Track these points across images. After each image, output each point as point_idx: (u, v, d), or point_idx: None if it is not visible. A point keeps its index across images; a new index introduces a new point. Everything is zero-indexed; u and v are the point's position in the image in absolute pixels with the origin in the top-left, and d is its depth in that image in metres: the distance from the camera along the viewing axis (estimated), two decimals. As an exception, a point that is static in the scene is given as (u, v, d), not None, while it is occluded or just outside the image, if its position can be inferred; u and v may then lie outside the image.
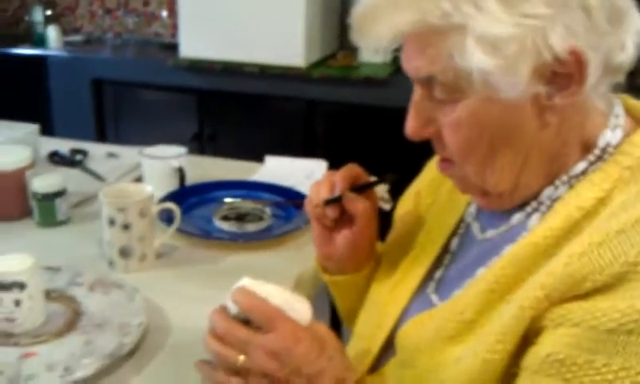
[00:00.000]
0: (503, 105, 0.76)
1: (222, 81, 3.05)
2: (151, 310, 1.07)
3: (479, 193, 0.86)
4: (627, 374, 0.67)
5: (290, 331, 0.82)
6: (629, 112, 0.85)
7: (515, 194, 0.83)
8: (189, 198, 1.49)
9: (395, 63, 3.02)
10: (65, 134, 2.18)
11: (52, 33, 3.41)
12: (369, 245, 1.02)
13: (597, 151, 0.80)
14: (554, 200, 0.81)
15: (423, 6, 0.74)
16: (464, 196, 0.96)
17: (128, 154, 1.77)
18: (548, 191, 0.82)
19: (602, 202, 0.77)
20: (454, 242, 0.95)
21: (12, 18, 3.92)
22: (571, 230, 0.76)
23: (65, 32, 3.57)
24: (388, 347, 0.93)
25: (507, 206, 0.85)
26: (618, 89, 0.82)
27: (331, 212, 0.98)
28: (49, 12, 3.60)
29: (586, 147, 0.81)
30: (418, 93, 0.82)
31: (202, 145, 3.11)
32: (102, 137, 3.30)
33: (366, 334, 0.97)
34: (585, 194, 0.78)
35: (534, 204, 0.84)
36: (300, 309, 0.85)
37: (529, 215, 0.84)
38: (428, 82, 0.79)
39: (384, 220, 1.28)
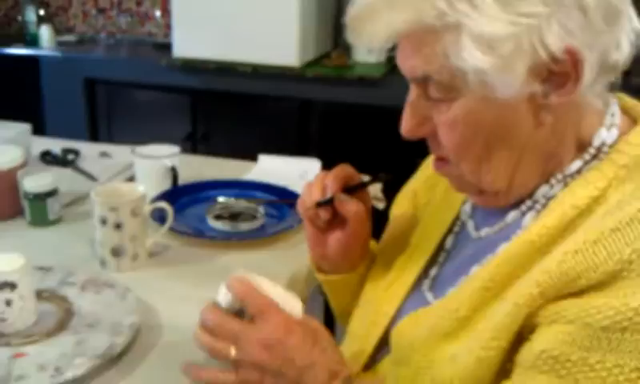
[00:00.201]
0: (499, 104, 0.76)
1: (215, 80, 3.04)
2: (143, 310, 1.06)
3: (475, 191, 0.86)
4: (621, 371, 0.67)
5: (283, 322, 0.82)
6: (624, 111, 0.85)
7: (511, 193, 0.83)
8: (182, 197, 1.48)
9: (389, 63, 3.02)
10: (57, 134, 2.17)
11: (45, 33, 3.40)
12: (362, 245, 1.02)
13: (592, 150, 0.81)
14: (549, 198, 0.81)
15: (419, 6, 0.74)
16: (459, 194, 0.96)
17: (120, 153, 1.76)
18: (543, 190, 0.82)
19: (596, 200, 0.77)
20: (449, 240, 0.95)
21: (5, 17, 3.91)
22: (566, 228, 0.76)
23: (58, 32, 3.56)
24: (383, 345, 0.92)
25: (503, 203, 0.85)
26: (613, 88, 0.82)
27: (323, 214, 0.97)
28: (42, 12, 3.59)
29: (582, 146, 0.81)
30: (413, 92, 0.82)
31: (195, 144, 3.10)
32: (94, 136, 3.29)
33: (361, 332, 0.97)
34: (580, 192, 0.78)
35: (528, 202, 0.84)
36: (292, 304, 0.85)
37: (524, 213, 0.84)
38: (423, 81, 0.79)
39: (378, 219, 1.28)
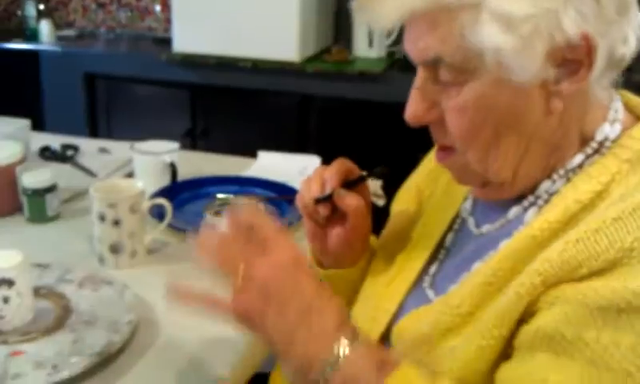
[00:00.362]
0: (512, 88, 0.75)
1: (215, 75, 3.03)
2: (141, 307, 1.06)
3: (479, 183, 0.85)
4: (617, 349, 0.66)
5: (295, 251, 0.79)
6: (628, 108, 0.84)
7: (515, 184, 0.83)
8: (181, 193, 1.48)
9: (390, 58, 3.01)
10: (57, 129, 2.16)
11: (45, 27, 3.39)
12: (362, 240, 1.01)
13: (594, 144, 0.80)
14: (552, 194, 0.81)
15: None
16: (460, 192, 0.95)
17: (119, 149, 1.76)
18: (545, 185, 0.82)
19: (599, 195, 0.76)
20: (449, 238, 0.95)
21: (4, 12, 3.90)
22: (568, 222, 0.76)
23: (57, 26, 3.55)
24: (384, 342, 0.92)
25: (507, 195, 0.84)
26: (616, 85, 0.82)
27: (323, 210, 0.96)
28: (41, 6, 3.58)
29: (585, 140, 0.81)
30: (421, 76, 0.81)
31: (194, 140, 3.10)
32: (94, 131, 3.28)
33: (361, 328, 0.97)
34: (582, 187, 0.78)
35: (531, 198, 0.83)
36: None
37: (526, 209, 0.84)
38: (434, 64, 0.77)
39: (377, 216, 1.27)
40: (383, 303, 0.94)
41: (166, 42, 3.14)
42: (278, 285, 0.76)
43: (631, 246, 0.68)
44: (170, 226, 1.29)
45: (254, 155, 1.77)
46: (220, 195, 1.48)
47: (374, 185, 1.75)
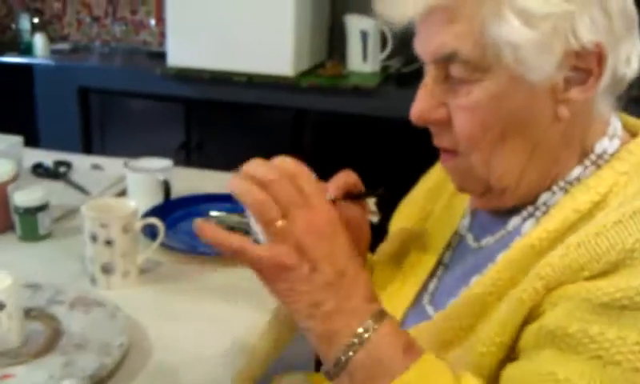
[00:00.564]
0: (524, 89, 0.76)
1: (210, 90, 3.03)
2: (133, 329, 1.05)
3: (480, 189, 0.85)
4: (624, 343, 0.66)
5: (335, 215, 0.76)
6: (626, 127, 0.86)
7: (516, 192, 0.83)
8: (174, 211, 1.47)
9: (384, 73, 3.01)
10: (50, 143, 2.16)
11: (39, 41, 3.38)
12: (361, 253, 1.00)
13: (593, 157, 0.82)
14: (550, 206, 0.82)
15: None
16: (458, 210, 0.96)
17: (113, 165, 1.75)
18: (544, 197, 0.83)
19: (597, 205, 0.77)
20: (447, 255, 0.95)
21: (-2, 25, 3.90)
22: (567, 232, 0.77)
23: (52, 40, 3.54)
24: None
25: (508, 203, 0.85)
26: (618, 102, 0.85)
27: None
28: (36, 20, 3.57)
29: (584, 153, 0.82)
30: (430, 74, 0.81)
31: (189, 154, 3.09)
32: (88, 145, 3.27)
33: None
34: (581, 197, 0.78)
35: (530, 209, 0.84)
36: None
37: (525, 220, 0.84)
38: (448, 60, 0.78)
39: (372, 232, 1.27)
40: None
41: (161, 56, 3.13)
42: (315, 242, 0.73)
43: (632, 247, 0.69)
44: (163, 245, 1.28)
45: (248, 170, 1.77)
46: (213, 213, 1.47)
47: (369, 201, 1.75)
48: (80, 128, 3.29)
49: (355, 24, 2.99)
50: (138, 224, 1.22)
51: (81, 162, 1.78)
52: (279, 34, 2.83)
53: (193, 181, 1.67)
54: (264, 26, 2.84)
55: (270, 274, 0.75)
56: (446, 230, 0.97)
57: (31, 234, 1.35)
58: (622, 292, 0.67)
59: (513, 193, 0.83)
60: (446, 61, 0.78)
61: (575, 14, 0.73)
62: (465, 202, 0.96)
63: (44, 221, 1.36)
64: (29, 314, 1.05)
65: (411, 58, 3.13)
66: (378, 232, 1.21)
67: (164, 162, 1.54)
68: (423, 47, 0.81)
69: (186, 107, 3.11)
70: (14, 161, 1.46)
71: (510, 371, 0.74)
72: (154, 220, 1.25)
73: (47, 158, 1.77)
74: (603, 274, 0.70)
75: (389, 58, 3.05)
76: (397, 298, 0.95)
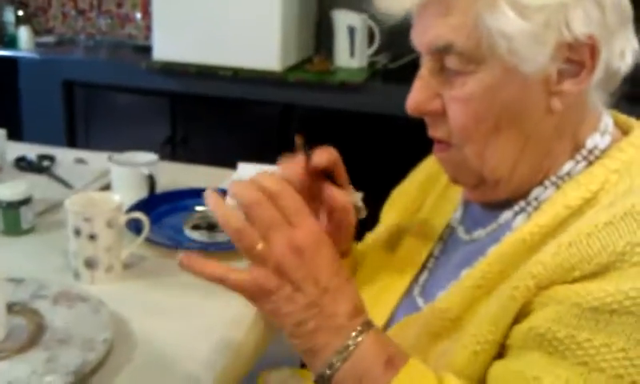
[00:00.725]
0: (518, 81, 0.77)
1: (196, 84, 3.01)
2: (117, 324, 1.04)
3: (473, 181, 0.86)
4: (609, 351, 0.67)
5: (317, 231, 0.76)
6: (617, 124, 0.87)
7: (509, 184, 0.84)
8: (159, 206, 1.45)
9: (371, 68, 3.01)
10: (34, 136, 2.14)
11: (23, 34, 3.35)
12: (346, 240, 1.00)
13: (584, 152, 0.83)
14: (541, 201, 0.83)
15: None
16: (451, 203, 0.96)
17: (97, 159, 1.73)
18: (536, 192, 0.84)
19: (588, 202, 0.78)
20: (438, 247, 0.96)
21: (-18, 17, 3.86)
22: (557, 227, 0.78)
23: (37, 33, 3.51)
24: None
25: (501, 195, 0.86)
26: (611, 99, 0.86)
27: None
28: (20, 12, 3.54)
29: (576, 148, 0.83)
30: (426, 66, 0.82)
31: (174, 148, 3.08)
32: (72, 139, 3.25)
33: None
34: (572, 193, 0.79)
35: (522, 203, 0.85)
36: None
37: (516, 214, 0.85)
38: (443, 52, 0.78)
39: (358, 228, 1.26)
40: (373, 314, 0.93)
41: (147, 49, 3.12)
42: (295, 263, 0.74)
43: (623, 250, 0.70)
44: (148, 240, 1.27)
45: (233, 164, 1.76)
46: (199, 208, 1.46)
47: (355, 197, 1.74)
48: (64, 122, 3.27)
49: (343, 19, 2.99)
50: (123, 218, 1.21)
51: (64, 156, 1.77)
52: (266, 29, 2.82)
53: (178, 175, 1.66)
54: (251, 20, 2.83)
55: (254, 297, 0.77)
56: (439, 222, 0.98)
57: (14, 228, 1.34)
58: (612, 296, 0.67)
59: (506, 185, 0.83)
60: (441, 52, 0.79)
61: (569, 6, 0.74)
62: (458, 194, 0.97)
63: (27, 215, 1.35)
64: (11, 308, 1.03)
65: (398, 54, 3.14)
66: (365, 226, 1.21)
67: (149, 156, 1.53)
68: (419, 39, 0.81)
69: (172, 101, 3.09)
70: (-4, 154, 1.44)
71: (497, 370, 0.74)
72: (138, 214, 1.24)
73: (31, 151, 1.75)
74: (594, 275, 0.70)
75: (376, 53, 3.05)
76: (389, 289, 0.95)
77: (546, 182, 0.83)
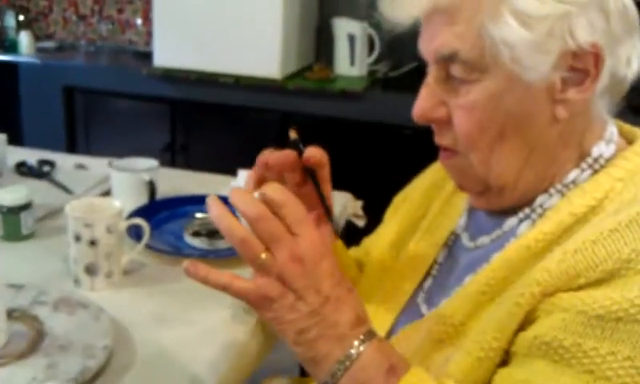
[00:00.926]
0: (521, 89, 0.77)
1: (196, 91, 3.02)
2: (117, 331, 1.04)
3: (479, 188, 0.86)
4: (615, 359, 0.67)
5: (319, 242, 0.77)
6: (621, 133, 0.88)
7: (515, 192, 0.84)
8: (159, 212, 1.45)
9: (371, 77, 3.01)
10: (34, 141, 2.14)
11: (24, 39, 3.35)
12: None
13: (590, 160, 0.83)
14: (546, 209, 0.83)
15: None
16: (456, 210, 0.97)
17: (97, 165, 1.73)
18: (541, 199, 0.84)
19: (593, 210, 0.78)
20: (443, 254, 0.96)
21: (-17, 22, 3.86)
22: (562, 235, 0.78)
23: (37, 38, 3.52)
24: None
25: (506, 203, 0.86)
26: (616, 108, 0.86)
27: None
28: (21, 17, 3.55)
29: (581, 156, 0.83)
30: (432, 74, 0.83)
31: (173, 155, 3.08)
32: (72, 144, 3.25)
33: None
34: (577, 201, 0.80)
35: (526, 210, 0.85)
36: None
37: (521, 221, 0.85)
38: (449, 60, 0.79)
39: (357, 236, 1.27)
40: (377, 320, 0.93)
41: (147, 55, 3.12)
42: (297, 272, 0.75)
43: (628, 258, 0.70)
44: (148, 246, 1.27)
45: (233, 171, 1.76)
46: (199, 214, 1.46)
47: (355, 206, 1.74)
48: (64, 127, 3.27)
49: (343, 27, 2.99)
50: (123, 224, 1.21)
51: (65, 162, 1.77)
52: (267, 36, 2.83)
53: (177, 182, 1.66)
54: (252, 27, 2.83)
55: (257, 304, 0.78)
56: (443, 229, 0.98)
57: (14, 234, 1.34)
58: (618, 304, 0.68)
59: (511, 192, 0.84)
60: (446, 61, 0.80)
61: (572, 15, 0.74)
62: (462, 201, 0.97)
63: (27, 220, 1.35)
64: (11, 314, 1.03)
65: (398, 63, 3.15)
66: (365, 235, 1.21)
67: (149, 162, 1.53)
68: (426, 47, 0.82)
69: (172, 108, 3.09)
70: (-3, 159, 1.44)
71: (501, 378, 0.75)
72: (139, 221, 1.24)
73: (31, 156, 1.76)
74: (599, 282, 0.71)
75: (376, 62, 3.06)
76: (393, 295, 0.96)
77: (551, 190, 0.83)
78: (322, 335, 0.76)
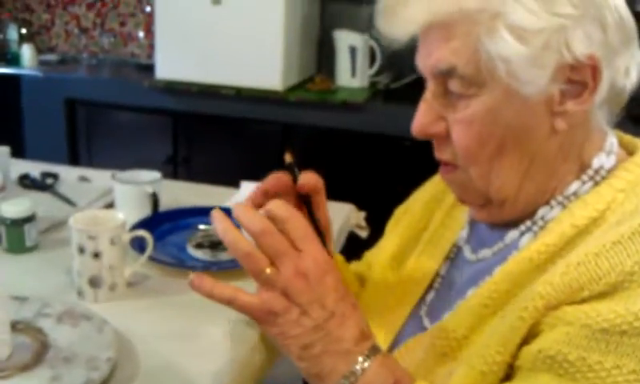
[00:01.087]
0: (519, 102, 0.77)
1: (198, 103, 3.03)
2: (121, 343, 1.04)
3: (480, 201, 0.86)
4: (620, 373, 0.67)
5: (323, 258, 0.78)
6: (621, 144, 0.88)
7: (516, 205, 0.84)
8: (162, 224, 1.46)
9: (372, 88, 3.02)
10: (37, 154, 2.14)
11: (26, 52, 3.37)
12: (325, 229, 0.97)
13: (590, 172, 0.83)
14: (547, 221, 0.83)
15: None
16: (457, 222, 0.96)
17: (100, 177, 1.74)
18: (542, 211, 0.84)
19: (595, 222, 0.78)
20: (445, 267, 0.96)
21: (-14, 35, 3.88)
22: (565, 247, 0.78)
23: (39, 51, 3.53)
24: None
25: (507, 216, 0.86)
26: (616, 118, 0.86)
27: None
28: (24, 30, 3.57)
29: (582, 167, 0.84)
30: (430, 89, 0.83)
31: (176, 167, 3.09)
32: (74, 157, 3.26)
33: None
34: (578, 212, 0.80)
35: (528, 223, 0.85)
36: None
37: (522, 234, 0.85)
38: (446, 75, 0.79)
39: (360, 247, 1.27)
40: (379, 334, 0.93)
41: (149, 68, 3.14)
42: (302, 287, 0.76)
43: (632, 270, 0.70)
44: (151, 258, 1.27)
45: (235, 183, 1.76)
46: (202, 226, 1.47)
47: (358, 216, 1.75)
48: (66, 139, 3.28)
49: (344, 39, 3.01)
50: (126, 236, 1.21)
51: (68, 174, 1.77)
52: (268, 48, 2.84)
53: (180, 194, 1.66)
54: (253, 39, 2.84)
55: (262, 319, 0.79)
56: (445, 241, 0.98)
57: (18, 246, 1.34)
58: (622, 318, 0.68)
59: (512, 205, 0.84)
60: (444, 76, 0.80)
61: (568, 28, 0.75)
62: (464, 213, 0.97)
63: (31, 232, 1.35)
64: (15, 327, 1.03)
65: (400, 74, 3.15)
66: (368, 246, 1.21)
67: (152, 175, 1.54)
68: (423, 63, 0.83)
69: (174, 120, 3.11)
70: (0, 171, 1.45)
71: None
72: (142, 232, 1.24)
73: (34, 169, 1.76)
74: (602, 295, 0.71)
75: (377, 73, 3.07)
76: (395, 308, 0.96)
77: (552, 202, 0.83)
78: (327, 350, 0.76)
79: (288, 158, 0.91)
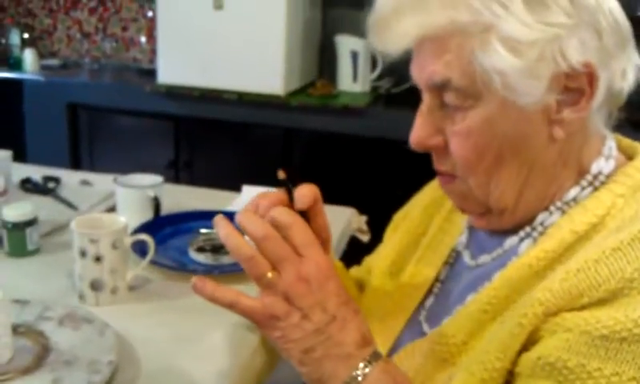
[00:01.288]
0: (516, 113, 0.77)
1: (199, 107, 3.03)
2: (122, 346, 1.04)
3: (479, 210, 0.86)
4: (619, 380, 0.67)
5: (325, 263, 0.78)
6: (620, 148, 0.88)
7: (515, 213, 0.84)
8: (163, 228, 1.46)
9: (374, 93, 3.03)
10: (39, 159, 2.15)
11: (29, 56, 3.38)
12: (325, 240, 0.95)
13: (589, 177, 0.83)
14: (547, 227, 0.83)
15: (454, 5, 0.75)
16: (456, 227, 0.96)
17: (102, 181, 1.74)
18: (542, 217, 0.84)
19: (594, 227, 0.78)
20: (444, 272, 0.96)
21: (-12, 40, 3.89)
22: (564, 253, 0.78)
23: (42, 56, 3.54)
24: None
25: (507, 224, 0.86)
26: (614, 122, 0.86)
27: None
28: (26, 35, 3.57)
29: (581, 172, 0.83)
30: (426, 102, 0.83)
31: (177, 171, 3.09)
32: (76, 162, 3.27)
33: None
34: (578, 218, 0.79)
35: (527, 229, 0.85)
36: None
37: (522, 240, 0.85)
38: (441, 88, 0.79)
39: (362, 251, 1.27)
40: (378, 339, 0.93)
41: (151, 73, 3.14)
42: (303, 291, 0.76)
43: (631, 277, 0.70)
44: (153, 262, 1.27)
45: (237, 188, 1.77)
46: (203, 230, 1.47)
47: (359, 221, 1.75)
48: (68, 144, 3.28)
49: (346, 44, 3.01)
50: (128, 240, 1.21)
51: (70, 178, 1.77)
52: (270, 53, 2.84)
53: (181, 198, 1.67)
54: (255, 44, 2.85)
55: (263, 323, 0.79)
56: (444, 246, 0.98)
57: (20, 250, 1.34)
58: (622, 324, 0.68)
59: (512, 213, 0.84)
60: (439, 89, 0.80)
61: (563, 37, 0.74)
62: (463, 218, 0.97)
63: (32, 236, 1.35)
64: (16, 330, 1.03)
65: (401, 79, 3.15)
66: (369, 250, 1.21)
67: (154, 179, 1.54)
68: (418, 76, 0.82)
69: (176, 125, 3.11)
70: (2, 175, 1.45)
71: None
72: (144, 236, 1.24)
73: (36, 173, 1.76)
74: (602, 302, 0.70)
75: (379, 78, 3.07)
76: (394, 314, 0.96)
77: (552, 208, 0.83)
78: (328, 354, 0.77)
79: (281, 174, 0.91)
